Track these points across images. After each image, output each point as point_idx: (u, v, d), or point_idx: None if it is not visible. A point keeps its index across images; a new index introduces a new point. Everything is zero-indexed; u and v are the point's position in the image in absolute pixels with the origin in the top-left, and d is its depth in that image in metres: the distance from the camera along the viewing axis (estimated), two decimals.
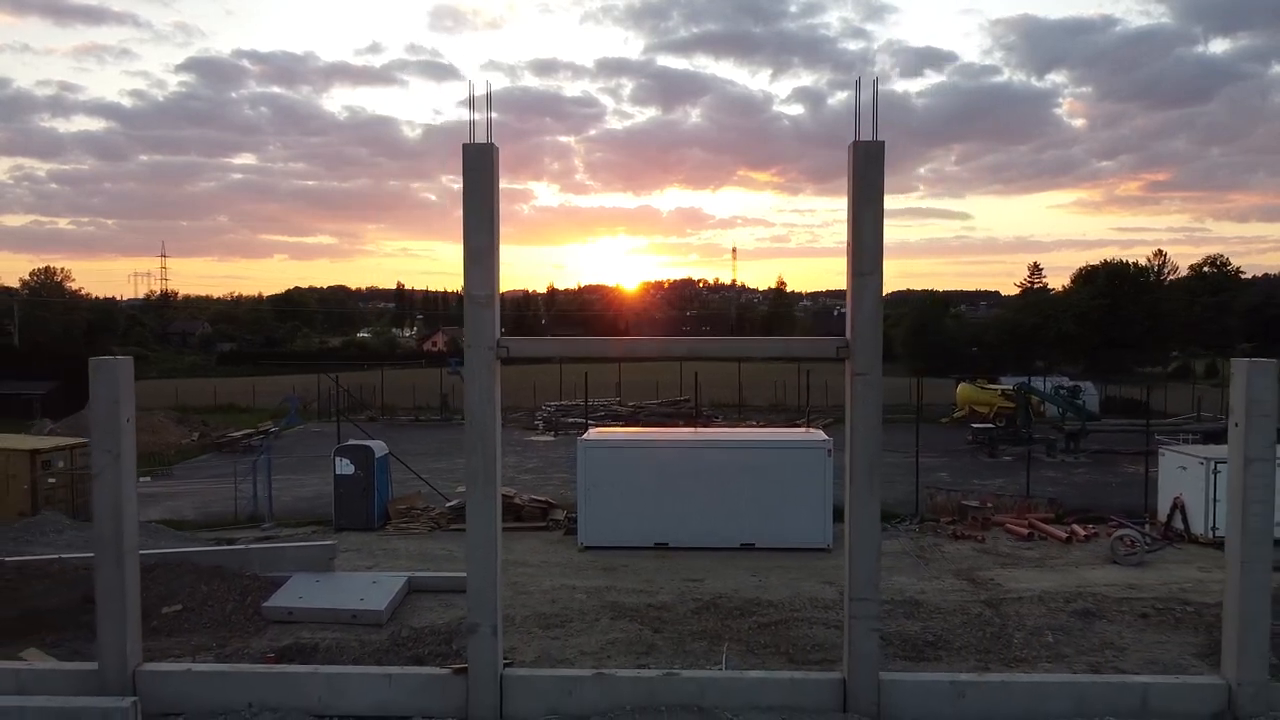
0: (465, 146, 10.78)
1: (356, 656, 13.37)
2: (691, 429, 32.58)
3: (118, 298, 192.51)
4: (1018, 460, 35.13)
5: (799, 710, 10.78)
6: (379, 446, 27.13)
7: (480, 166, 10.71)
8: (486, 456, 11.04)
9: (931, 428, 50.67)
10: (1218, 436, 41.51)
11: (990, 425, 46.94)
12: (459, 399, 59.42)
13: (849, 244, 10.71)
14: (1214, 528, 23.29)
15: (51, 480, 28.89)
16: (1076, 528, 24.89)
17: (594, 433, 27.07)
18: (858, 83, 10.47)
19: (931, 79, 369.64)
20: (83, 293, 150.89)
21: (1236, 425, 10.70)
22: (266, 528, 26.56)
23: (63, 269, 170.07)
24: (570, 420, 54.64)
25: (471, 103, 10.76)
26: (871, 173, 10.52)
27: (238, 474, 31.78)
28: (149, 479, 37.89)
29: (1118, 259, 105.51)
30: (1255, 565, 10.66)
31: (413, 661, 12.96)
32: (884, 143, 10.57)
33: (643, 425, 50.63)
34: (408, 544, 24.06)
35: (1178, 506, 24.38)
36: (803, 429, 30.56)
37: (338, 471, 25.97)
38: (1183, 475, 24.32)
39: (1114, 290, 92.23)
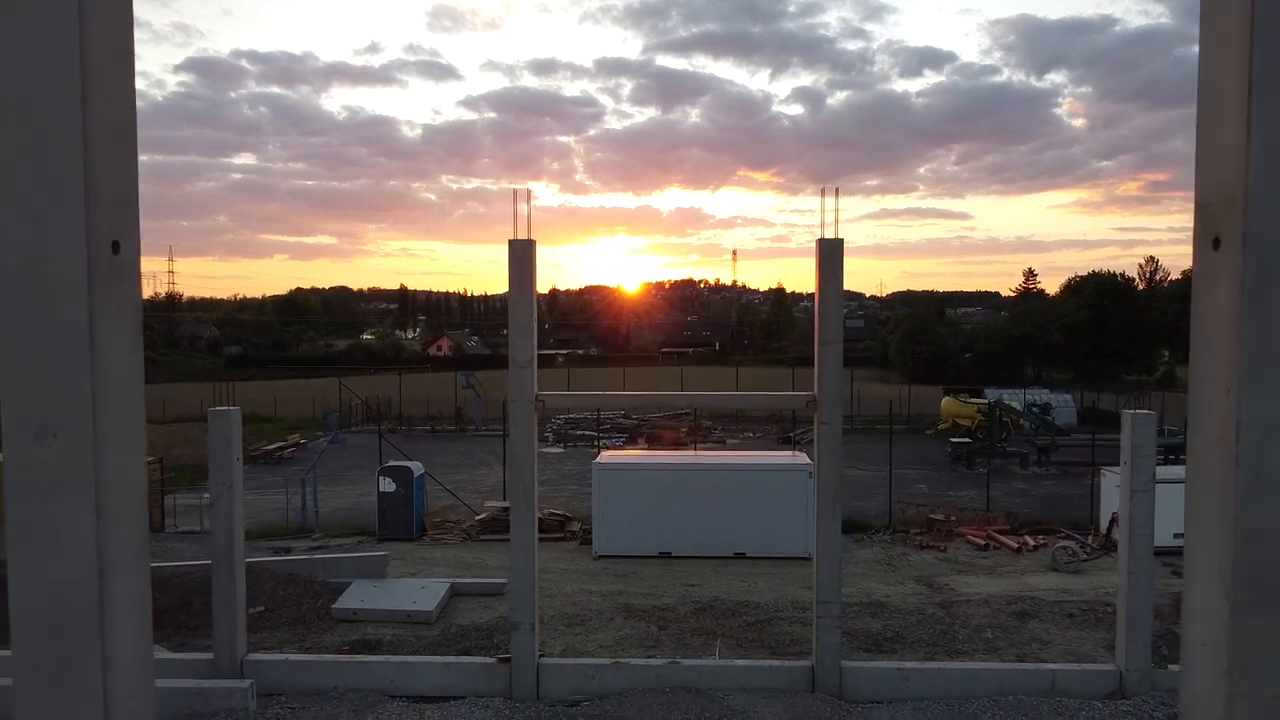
0: (511, 242, 12.76)
1: (414, 649, 15.25)
2: (692, 452, 34.38)
3: None
4: (993, 473, 37.06)
5: (776, 691, 12.70)
6: (416, 467, 29.10)
7: (523, 258, 12.71)
8: (526, 487, 13.01)
9: (917, 439, 52.21)
10: (1176, 451, 43.00)
11: (967, 440, 48.58)
12: (490, 409, 60.75)
13: (816, 318, 12.76)
14: None
15: None
16: (1028, 538, 26.68)
17: (606, 456, 28.96)
18: (823, 191, 12.55)
19: (931, 79, 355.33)
20: None
21: (1125, 463, 12.75)
22: (317, 538, 28.52)
23: None
24: (579, 433, 55.66)
25: (515, 203, 12.83)
26: (833, 262, 12.54)
27: (287, 487, 33.67)
28: (207, 495, 39.18)
29: (1110, 269, 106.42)
30: (1140, 576, 12.63)
31: (461, 653, 14.82)
32: (843, 240, 12.56)
33: (646, 436, 52.33)
34: (444, 553, 25.73)
35: (1115, 520, 26.23)
36: (789, 453, 32.48)
37: (381, 489, 27.99)
38: (1119, 492, 26.07)
39: (1100, 301, 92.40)
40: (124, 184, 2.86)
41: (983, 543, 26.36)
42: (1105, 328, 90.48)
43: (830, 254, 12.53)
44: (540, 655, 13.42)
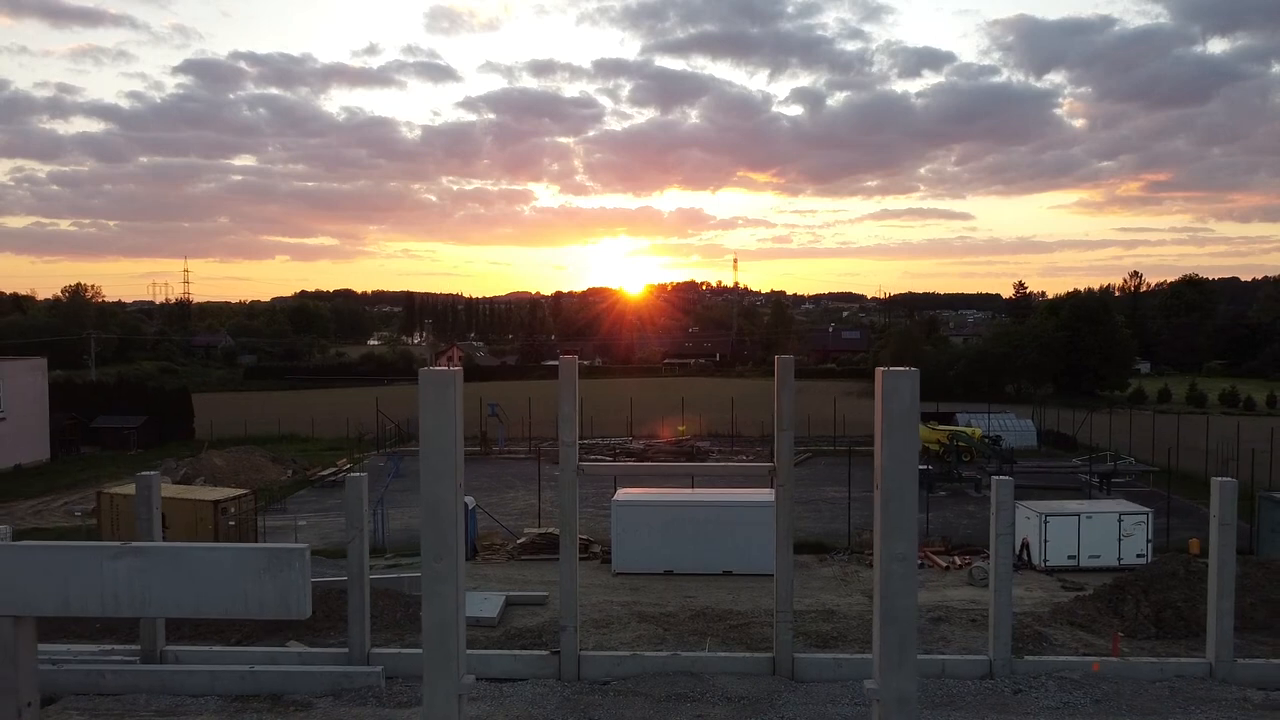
0: (561, 359, 16.67)
1: (486, 645, 18.91)
2: (690, 490, 37.12)
3: (122, 300, 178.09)
4: (950, 496, 39.97)
5: (748, 674, 16.23)
6: (469, 501, 32.66)
7: (569, 373, 16.47)
8: (570, 532, 16.64)
9: None
10: (1108, 477, 46.02)
11: (928, 466, 51.39)
12: (510, 430, 61.64)
13: (775, 412, 16.53)
14: (1045, 560, 28.77)
15: (231, 524, 34.26)
16: (956, 558, 30.11)
17: (623, 493, 32.24)
18: (780, 304, 16.41)
19: (930, 79, 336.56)
20: (97, 300, 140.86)
21: (992, 514, 16.51)
22: (389, 558, 32.02)
23: (93, 285, 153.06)
24: (591, 457, 58.76)
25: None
26: (786, 375, 16.26)
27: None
28: (286, 512, 40.49)
29: (1110, 272, 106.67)
30: (1003, 594, 16.30)
31: (520, 648, 18.25)
32: (793, 356, 16.49)
33: (652, 461, 54.36)
34: (494, 570, 28.89)
35: (1025, 544, 29.67)
36: (768, 490, 35.62)
37: None
38: (1027, 522, 29.50)
39: (1075, 322, 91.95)
40: (459, 459, 6.98)
41: (919, 562, 29.70)
42: (1080, 347, 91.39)
43: (784, 367, 16.31)
44: (580, 649, 17.18)
